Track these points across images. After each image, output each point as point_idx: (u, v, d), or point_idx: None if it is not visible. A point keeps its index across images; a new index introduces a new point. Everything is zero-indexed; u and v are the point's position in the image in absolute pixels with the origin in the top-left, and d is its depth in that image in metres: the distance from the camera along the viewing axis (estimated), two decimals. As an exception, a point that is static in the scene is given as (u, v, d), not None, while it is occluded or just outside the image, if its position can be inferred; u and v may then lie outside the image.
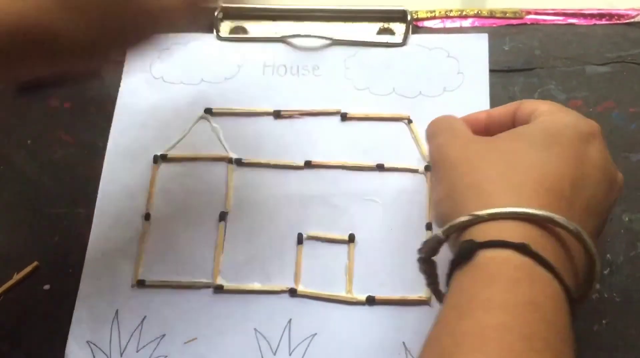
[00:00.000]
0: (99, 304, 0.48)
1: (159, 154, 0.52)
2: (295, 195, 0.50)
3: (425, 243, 0.38)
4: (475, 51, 0.54)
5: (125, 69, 0.56)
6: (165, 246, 0.49)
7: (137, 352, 0.46)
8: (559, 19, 0.55)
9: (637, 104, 0.51)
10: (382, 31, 0.56)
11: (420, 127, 0.51)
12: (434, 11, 0.56)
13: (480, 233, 0.34)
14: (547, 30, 0.55)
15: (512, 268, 0.33)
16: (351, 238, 0.49)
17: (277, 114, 0.53)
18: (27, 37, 0.37)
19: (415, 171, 0.50)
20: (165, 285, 0.48)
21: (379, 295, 0.47)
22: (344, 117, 0.53)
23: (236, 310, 0.47)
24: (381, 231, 0.49)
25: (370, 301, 0.47)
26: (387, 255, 0.48)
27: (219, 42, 0.57)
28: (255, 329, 0.47)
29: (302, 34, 0.56)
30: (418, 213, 0.49)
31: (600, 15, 0.55)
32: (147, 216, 0.50)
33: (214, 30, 0.57)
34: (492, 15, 0.56)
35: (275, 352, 0.46)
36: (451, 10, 0.56)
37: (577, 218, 0.35)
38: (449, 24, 0.56)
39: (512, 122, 0.42)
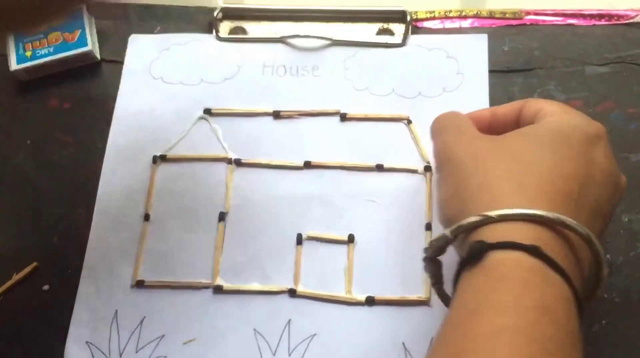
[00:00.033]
0: (98, 304, 0.48)
1: (158, 154, 0.52)
2: (294, 195, 0.50)
3: (432, 242, 0.38)
4: (474, 52, 0.54)
5: (125, 69, 0.56)
6: (164, 246, 0.49)
7: (136, 352, 0.46)
8: (559, 20, 0.55)
9: (637, 104, 0.51)
10: (381, 32, 0.56)
11: (420, 128, 0.51)
12: (434, 12, 0.56)
13: (490, 234, 0.34)
14: (547, 30, 0.55)
15: (522, 270, 0.33)
16: (350, 239, 0.48)
17: (277, 115, 0.53)
18: None
19: (414, 171, 0.50)
20: (165, 285, 0.48)
21: (379, 295, 0.47)
22: (344, 117, 0.53)
23: (235, 310, 0.47)
24: (380, 232, 0.49)
25: (370, 301, 0.47)
26: (387, 256, 0.48)
27: (218, 42, 0.57)
28: (254, 329, 0.47)
29: (302, 34, 0.56)
30: (417, 214, 0.49)
31: (600, 16, 0.55)
32: (146, 217, 0.50)
33: (214, 31, 0.57)
34: (491, 15, 0.56)
35: (275, 352, 0.46)
36: (450, 11, 0.56)
37: (584, 220, 0.35)
38: (448, 24, 0.56)
39: (517, 121, 0.42)
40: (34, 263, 0.49)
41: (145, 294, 0.48)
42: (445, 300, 0.39)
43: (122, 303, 0.48)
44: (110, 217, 0.51)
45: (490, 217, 0.34)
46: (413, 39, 0.55)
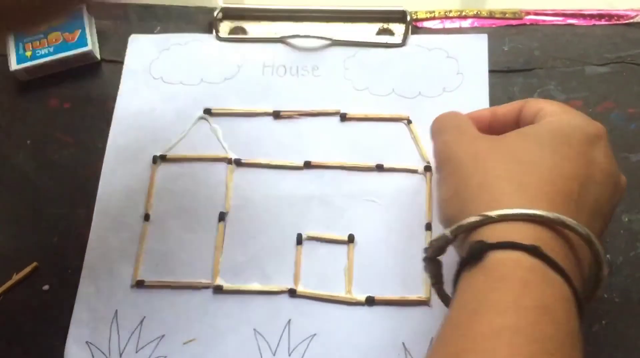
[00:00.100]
0: (98, 304, 0.48)
1: (158, 154, 0.52)
2: (294, 195, 0.50)
3: (432, 242, 0.38)
4: (474, 52, 0.54)
5: (125, 69, 0.56)
6: (164, 246, 0.49)
7: (136, 352, 0.46)
8: (559, 20, 0.55)
9: (637, 104, 0.51)
10: (381, 32, 0.56)
11: (420, 128, 0.51)
12: (434, 12, 0.56)
13: (490, 234, 0.34)
14: (547, 30, 0.55)
15: (523, 270, 0.33)
16: (350, 239, 0.48)
17: (277, 115, 0.53)
18: None
19: (414, 171, 0.50)
20: (165, 285, 0.48)
21: (379, 295, 0.47)
22: (344, 117, 0.53)
23: (235, 310, 0.47)
24: (380, 232, 0.49)
25: (370, 301, 0.47)
26: (387, 255, 0.48)
27: (218, 42, 0.57)
28: (254, 329, 0.47)
29: (302, 34, 0.56)
30: (417, 214, 0.49)
31: (600, 16, 0.55)
32: (146, 217, 0.50)
33: (214, 31, 0.57)
34: (491, 15, 0.56)
35: (275, 352, 0.46)
36: (450, 11, 0.56)
37: (584, 221, 0.35)
38: (448, 24, 0.56)
39: (517, 121, 0.42)
40: (34, 263, 0.49)
41: (145, 294, 0.48)
42: (445, 300, 0.39)
43: (122, 303, 0.48)
44: (110, 217, 0.51)
45: (490, 217, 0.35)
46: (413, 39, 0.55)
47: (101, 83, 0.56)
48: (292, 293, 0.47)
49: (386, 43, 0.55)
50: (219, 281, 0.48)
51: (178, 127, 0.53)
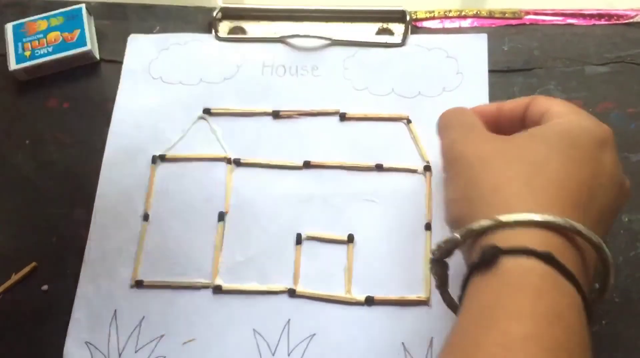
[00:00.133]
0: (97, 304, 0.48)
1: (157, 154, 0.52)
2: (294, 195, 0.50)
3: (441, 244, 0.37)
4: (474, 51, 0.54)
5: (124, 69, 0.56)
6: (163, 246, 0.49)
7: (135, 352, 0.46)
8: (558, 19, 0.55)
9: (637, 104, 0.51)
10: (381, 31, 0.56)
11: (420, 128, 0.51)
12: (433, 11, 0.56)
13: (503, 239, 0.34)
14: (546, 30, 0.55)
15: (536, 278, 0.32)
16: (350, 239, 0.48)
17: (276, 115, 0.53)
18: None
19: (414, 171, 0.50)
20: (164, 285, 0.48)
21: (378, 295, 0.47)
22: (343, 117, 0.53)
23: (235, 310, 0.47)
24: (380, 232, 0.49)
25: (369, 301, 0.46)
26: (386, 255, 0.48)
27: (217, 42, 0.56)
28: (254, 330, 0.46)
29: (301, 34, 0.56)
30: (417, 213, 0.49)
31: (600, 16, 0.55)
32: (145, 217, 0.50)
33: (213, 31, 0.57)
34: (491, 15, 0.56)
35: (274, 352, 0.46)
36: (450, 11, 0.56)
37: (589, 225, 0.35)
38: (448, 24, 0.56)
39: (523, 118, 0.41)
40: (33, 263, 0.49)
41: (144, 294, 0.48)
42: (449, 302, 0.39)
43: (121, 303, 0.48)
44: (109, 217, 0.50)
45: (505, 222, 0.34)
46: (413, 38, 0.55)
47: (100, 83, 0.56)
48: (292, 293, 0.47)
49: (386, 43, 0.55)
50: (219, 281, 0.48)
51: (177, 127, 0.53)
